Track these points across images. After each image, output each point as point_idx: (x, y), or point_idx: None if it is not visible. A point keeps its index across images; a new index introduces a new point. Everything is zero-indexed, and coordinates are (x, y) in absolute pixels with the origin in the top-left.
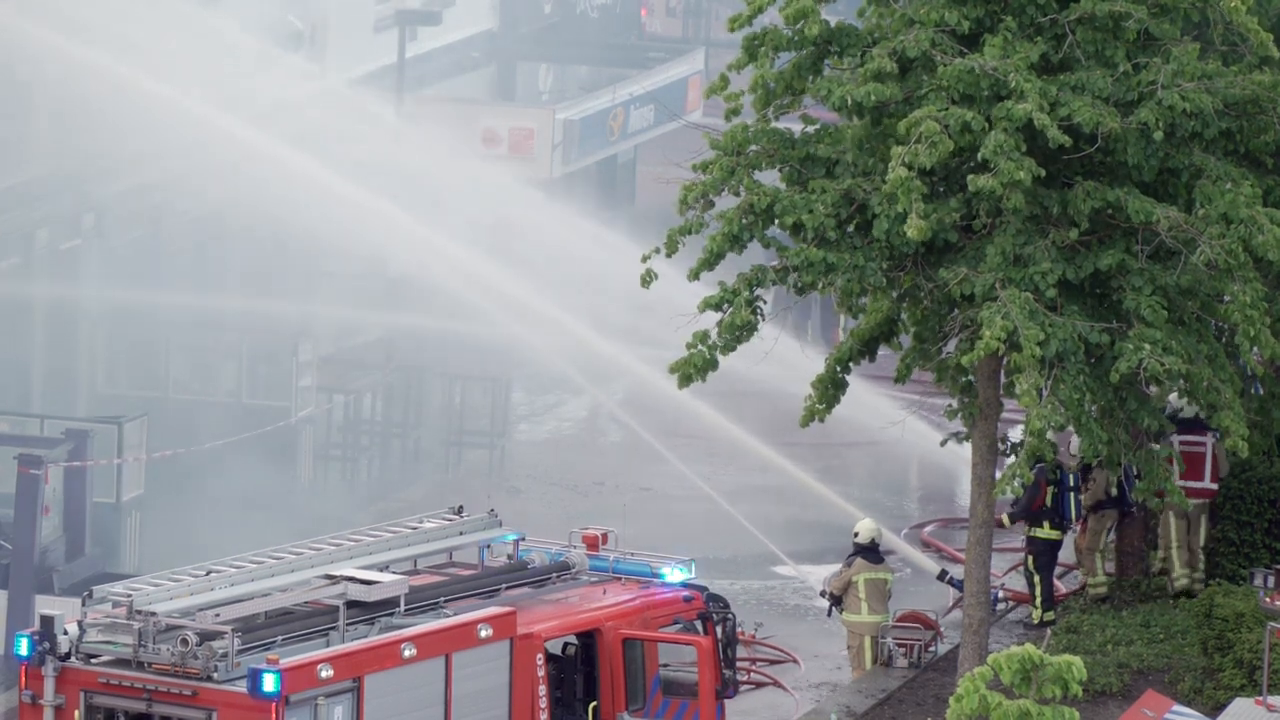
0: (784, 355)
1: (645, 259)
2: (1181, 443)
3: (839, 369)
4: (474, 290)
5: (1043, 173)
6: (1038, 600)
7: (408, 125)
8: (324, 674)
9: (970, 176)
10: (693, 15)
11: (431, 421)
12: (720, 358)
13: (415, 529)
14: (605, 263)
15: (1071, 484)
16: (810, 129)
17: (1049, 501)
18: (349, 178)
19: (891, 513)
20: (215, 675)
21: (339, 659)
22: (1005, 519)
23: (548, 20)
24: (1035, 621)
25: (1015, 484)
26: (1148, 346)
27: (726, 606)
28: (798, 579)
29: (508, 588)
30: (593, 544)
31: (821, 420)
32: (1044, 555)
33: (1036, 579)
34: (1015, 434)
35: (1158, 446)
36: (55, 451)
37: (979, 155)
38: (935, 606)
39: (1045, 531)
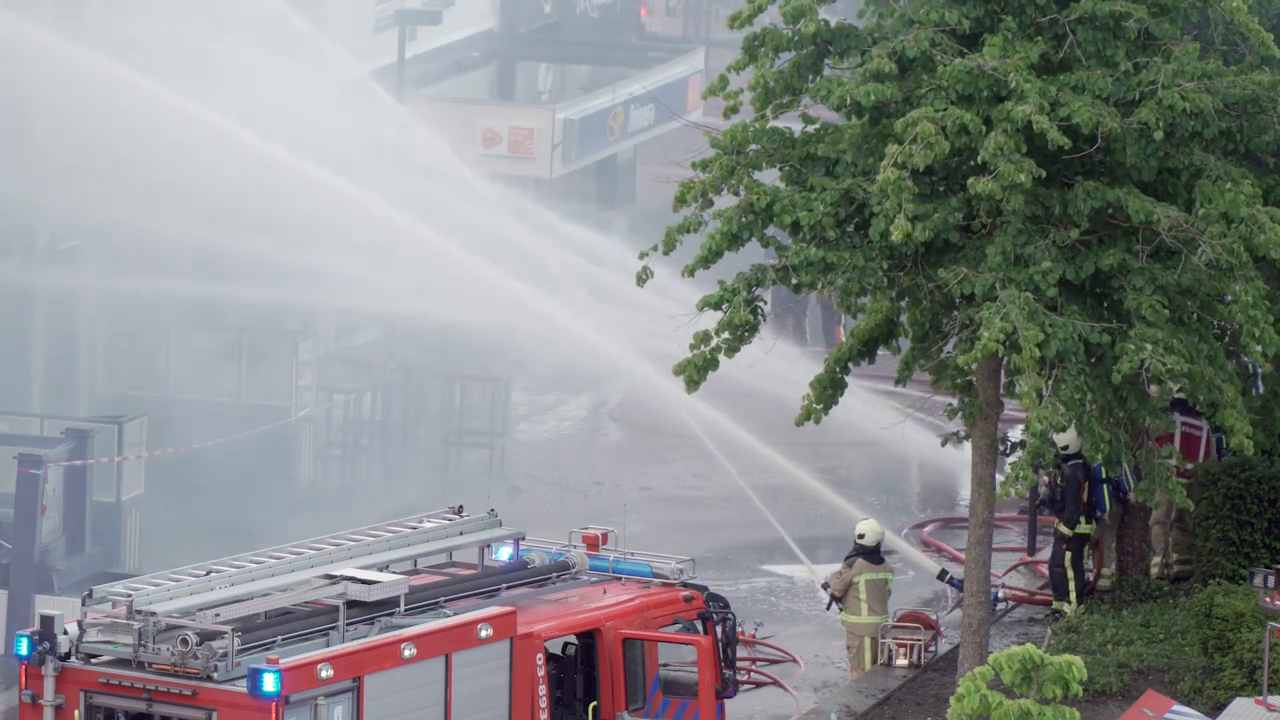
0: (785, 355)
1: (643, 256)
2: (1182, 424)
3: (838, 369)
4: (475, 287)
5: (1043, 174)
6: (1073, 596)
7: (408, 124)
8: (324, 674)
9: (970, 180)
10: (693, 15)
11: (431, 421)
12: (722, 359)
13: (415, 529)
14: (604, 262)
15: (1103, 476)
16: (810, 129)
17: (1084, 496)
18: (349, 177)
19: (891, 512)
20: (215, 675)
21: (339, 659)
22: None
23: (548, 20)
24: (1072, 616)
25: (1019, 485)
26: (1149, 347)
27: (726, 606)
28: (796, 579)
29: (508, 588)
30: (593, 544)
31: (817, 421)
32: (1079, 550)
33: (1071, 574)
34: (1015, 434)
35: (1157, 444)
36: (55, 451)
37: (979, 158)
38: (935, 605)
39: (1082, 526)
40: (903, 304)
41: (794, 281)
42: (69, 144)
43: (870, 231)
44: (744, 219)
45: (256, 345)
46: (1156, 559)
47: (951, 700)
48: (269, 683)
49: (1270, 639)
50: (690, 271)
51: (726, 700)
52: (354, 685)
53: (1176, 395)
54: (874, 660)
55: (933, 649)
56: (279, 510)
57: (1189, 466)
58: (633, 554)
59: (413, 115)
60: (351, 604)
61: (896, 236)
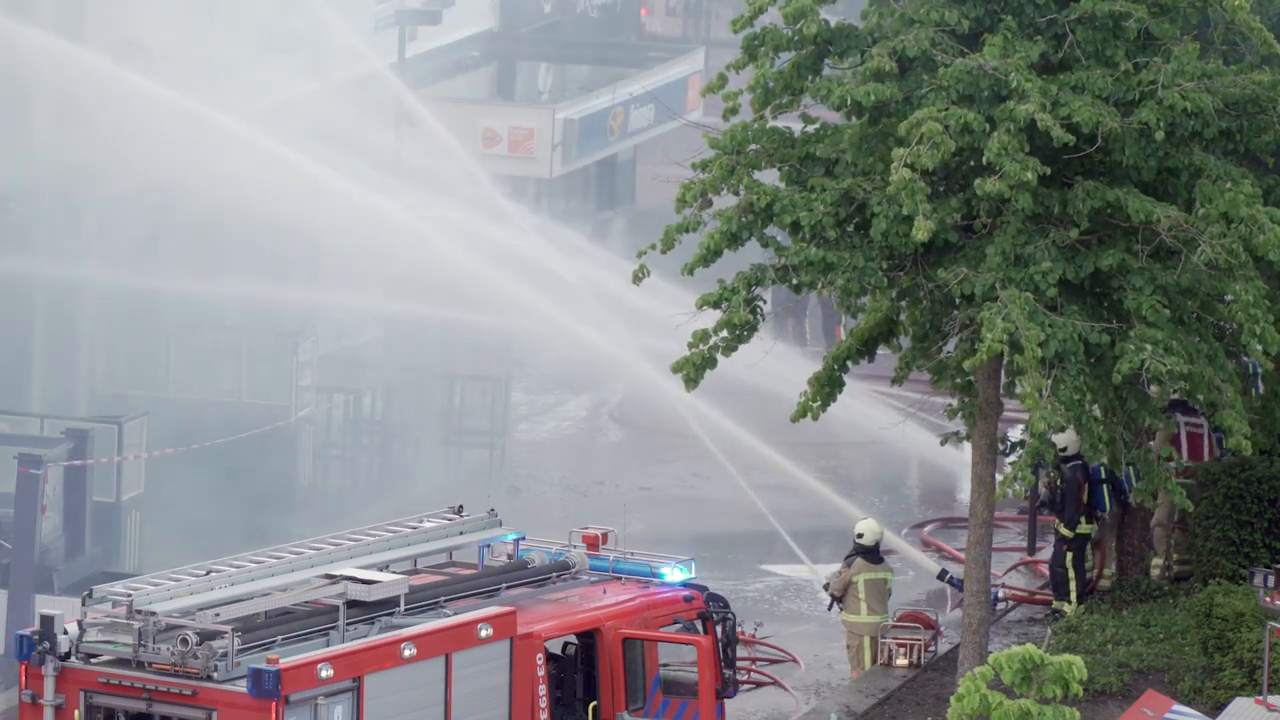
0: (784, 355)
1: (640, 255)
2: (1186, 424)
3: (837, 368)
4: (476, 285)
5: (1047, 171)
6: (1073, 596)
7: (408, 124)
8: (324, 674)
9: (977, 181)
10: (693, 15)
11: (431, 421)
12: (721, 358)
13: (415, 529)
14: (603, 262)
15: (1103, 476)
16: (810, 129)
17: (1084, 497)
18: (350, 176)
19: (891, 512)
20: (215, 675)
21: (339, 659)
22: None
23: (548, 20)
24: (1071, 615)
25: (1017, 486)
26: (1149, 347)
27: (726, 606)
28: (796, 579)
29: (508, 587)
30: (593, 544)
31: (814, 418)
32: (1080, 551)
33: (1072, 574)
34: (1015, 434)
35: (1155, 443)
36: (55, 451)
37: (984, 158)
38: (935, 604)
39: (1083, 526)
40: (903, 304)
41: (794, 281)
42: (69, 144)
43: (870, 231)
44: (744, 219)
45: (256, 345)
46: (1159, 560)
47: (951, 700)
48: (269, 682)
49: (1270, 639)
50: (689, 270)
51: (726, 700)
52: (354, 685)
53: (1174, 397)
54: (874, 660)
55: (932, 649)
56: (279, 510)
57: (1187, 465)
58: (632, 554)
59: (417, 112)
60: (351, 604)
61: (920, 236)
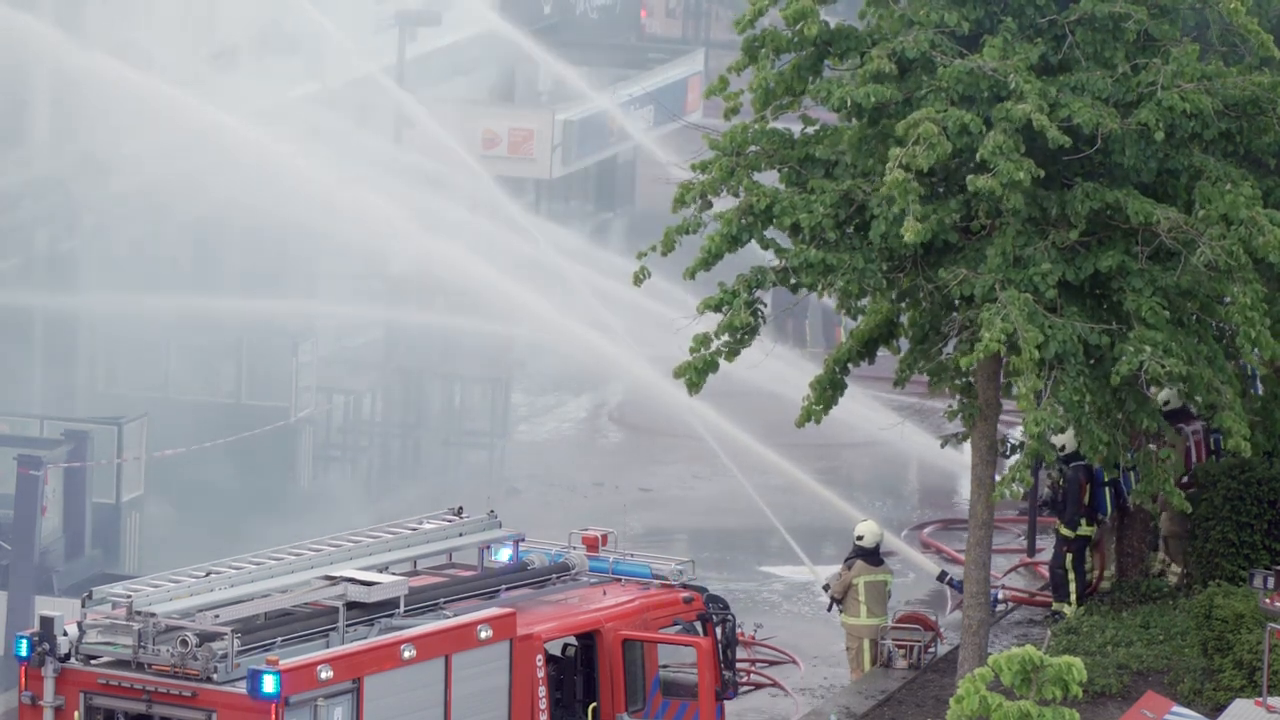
0: (783, 356)
1: (641, 256)
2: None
3: (837, 370)
4: (476, 287)
5: (1042, 173)
6: (1073, 597)
7: (408, 125)
8: (324, 675)
9: (970, 177)
10: (692, 16)
11: (431, 421)
12: (722, 360)
13: (415, 530)
14: (602, 263)
15: (1105, 479)
16: (810, 130)
17: (1085, 498)
18: (350, 176)
19: (891, 513)
20: (215, 676)
21: (339, 660)
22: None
23: (548, 20)
24: (1071, 617)
25: (1015, 487)
26: (1148, 349)
27: (726, 607)
28: (796, 580)
29: (507, 589)
30: (592, 545)
31: (818, 421)
32: (1080, 552)
33: (1072, 575)
34: (1016, 435)
35: (1155, 447)
36: (55, 452)
37: (978, 156)
38: (934, 606)
39: (1083, 528)
40: (902, 305)
41: (793, 283)
42: (69, 143)
43: (870, 233)
44: (743, 220)
45: (256, 346)
46: (1176, 568)
47: (951, 701)
48: (269, 684)
49: (1270, 640)
50: (691, 274)
51: (726, 701)
52: (354, 686)
53: (1167, 408)
54: (873, 662)
55: (932, 650)
56: (279, 511)
57: (1192, 474)
58: (632, 555)
59: (417, 115)
60: (351, 605)
61: (909, 237)
